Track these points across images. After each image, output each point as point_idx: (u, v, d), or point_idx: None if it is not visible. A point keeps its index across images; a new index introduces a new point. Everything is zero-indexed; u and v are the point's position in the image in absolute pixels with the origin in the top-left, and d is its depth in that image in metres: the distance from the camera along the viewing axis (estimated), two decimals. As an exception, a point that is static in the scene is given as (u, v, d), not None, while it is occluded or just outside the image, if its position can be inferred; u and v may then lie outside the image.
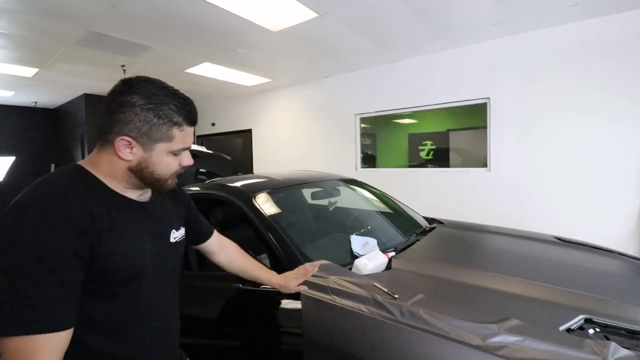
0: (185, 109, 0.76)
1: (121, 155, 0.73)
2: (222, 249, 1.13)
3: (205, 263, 1.65)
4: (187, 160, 0.82)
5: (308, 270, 1.19)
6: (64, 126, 6.61)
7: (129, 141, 0.72)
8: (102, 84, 4.99)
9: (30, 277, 0.60)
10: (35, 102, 6.34)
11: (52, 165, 6.54)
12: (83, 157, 0.84)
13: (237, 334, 1.34)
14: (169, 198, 0.93)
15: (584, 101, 3.05)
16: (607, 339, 0.98)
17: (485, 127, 3.65)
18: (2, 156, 6.19)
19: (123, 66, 4.12)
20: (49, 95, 5.78)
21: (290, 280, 1.16)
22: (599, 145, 3.01)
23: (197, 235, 1.07)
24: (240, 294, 1.38)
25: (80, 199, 0.68)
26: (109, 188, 0.75)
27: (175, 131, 0.75)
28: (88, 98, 5.71)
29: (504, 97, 3.46)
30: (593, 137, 3.03)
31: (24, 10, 2.58)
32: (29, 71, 4.21)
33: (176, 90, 0.78)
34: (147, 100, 0.71)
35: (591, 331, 1.02)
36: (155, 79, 0.76)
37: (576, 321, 1.04)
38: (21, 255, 0.60)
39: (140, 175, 0.76)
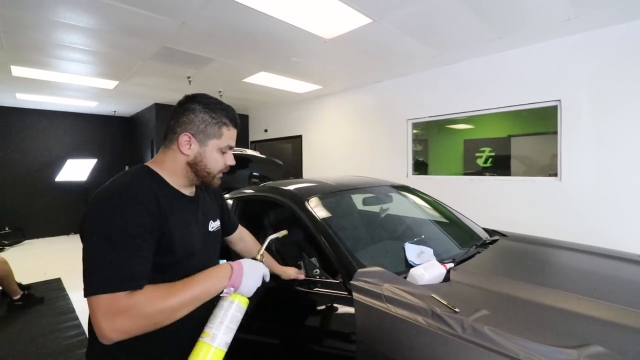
0: (231, 114, 0.98)
1: (182, 149, 0.92)
2: (241, 240, 1.34)
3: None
4: (231, 160, 1.00)
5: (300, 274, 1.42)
6: (137, 132, 7.36)
7: (189, 137, 0.92)
8: (170, 95, 5.46)
9: (116, 246, 0.75)
10: (115, 111, 7.13)
11: (126, 167, 7.27)
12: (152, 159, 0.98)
13: (286, 334, 1.36)
14: (208, 195, 1.11)
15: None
16: None
17: (555, 133, 3.32)
18: (87, 159, 7.04)
19: (189, 77, 4.46)
20: (126, 105, 6.46)
21: (288, 271, 1.39)
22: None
23: (227, 229, 1.27)
24: (294, 294, 1.39)
25: (149, 189, 0.86)
26: (169, 185, 0.93)
27: (224, 130, 0.96)
28: (158, 107, 6.28)
29: (578, 99, 3.12)
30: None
31: (108, 30, 2.92)
32: (111, 84, 4.76)
33: (223, 102, 1.00)
34: (204, 106, 0.94)
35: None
36: (210, 95, 0.99)
37: (677, 356, 0.89)
38: (109, 229, 0.76)
39: (196, 169, 0.94)
